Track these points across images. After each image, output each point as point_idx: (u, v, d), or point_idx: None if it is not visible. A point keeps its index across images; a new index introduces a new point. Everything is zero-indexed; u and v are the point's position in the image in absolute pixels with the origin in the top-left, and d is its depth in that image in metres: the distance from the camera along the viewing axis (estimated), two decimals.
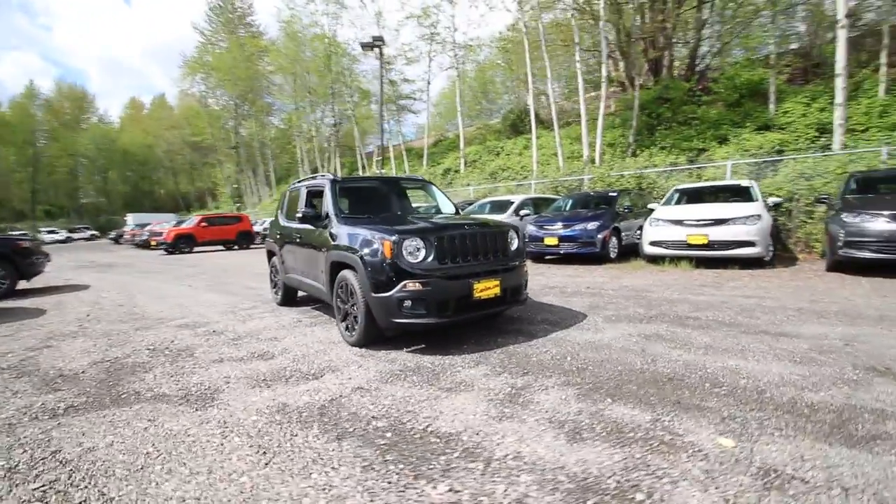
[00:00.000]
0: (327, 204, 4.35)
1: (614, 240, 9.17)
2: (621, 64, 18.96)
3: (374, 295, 3.41)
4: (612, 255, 9.07)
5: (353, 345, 3.74)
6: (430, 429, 2.24)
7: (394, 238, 3.39)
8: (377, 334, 3.63)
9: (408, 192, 5.42)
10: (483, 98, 46.11)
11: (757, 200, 7.96)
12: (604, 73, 15.67)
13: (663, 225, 7.93)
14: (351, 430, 2.26)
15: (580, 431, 2.15)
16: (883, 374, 2.71)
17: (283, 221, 5.63)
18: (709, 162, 13.93)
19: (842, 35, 11.76)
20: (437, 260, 3.46)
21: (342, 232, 3.96)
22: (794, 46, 17.24)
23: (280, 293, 5.71)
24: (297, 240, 4.91)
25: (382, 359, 3.39)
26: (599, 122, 15.88)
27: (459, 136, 24.04)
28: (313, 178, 5.20)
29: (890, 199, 6.21)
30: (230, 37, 41.80)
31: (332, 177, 4.65)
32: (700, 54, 20.69)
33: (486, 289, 3.57)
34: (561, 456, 1.94)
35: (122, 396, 2.85)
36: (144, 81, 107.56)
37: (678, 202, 9.06)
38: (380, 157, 23.86)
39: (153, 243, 18.92)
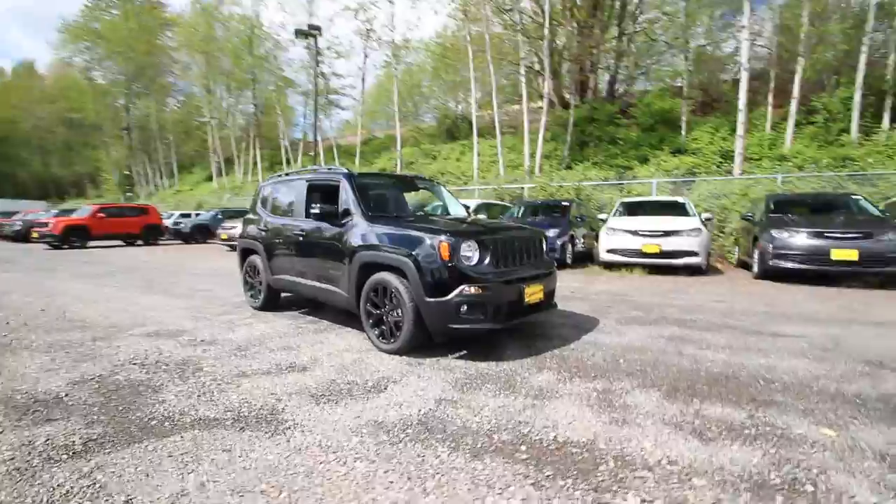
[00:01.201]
0: (348, 201, 4.00)
1: (570, 246, 9.72)
2: (549, 82, 20.10)
3: (428, 299, 3.20)
4: (569, 261, 9.59)
5: (391, 352, 3.47)
6: (559, 439, 2.15)
7: (452, 240, 3.23)
8: (423, 341, 3.41)
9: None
10: (409, 100, 46.20)
11: (693, 215, 8.99)
12: (546, 89, 16.57)
13: (619, 234, 8.60)
14: (480, 446, 2.09)
15: (701, 432, 2.23)
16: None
17: (268, 217, 5.06)
18: (634, 179, 15.41)
19: (744, 76, 13.76)
20: (493, 264, 3.37)
21: (373, 231, 3.67)
22: (696, 82, 19.75)
23: (262, 296, 5.11)
24: (298, 238, 4.44)
25: (436, 367, 3.20)
26: (540, 135, 16.74)
27: (396, 137, 23.71)
28: (313, 171, 4.75)
29: (808, 219, 7.41)
30: (124, 4, 36.69)
31: (346, 171, 4.29)
32: (619, 80, 22.89)
33: (534, 293, 3.56)
34: (710, 457, 1.99)
35: (151, 424, 2.33)
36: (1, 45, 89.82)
37: (623, 214, 9.89)
38: (312, 153, 22.61)
39: (35, 235, 15.80)
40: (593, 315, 4.85)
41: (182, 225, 19.03)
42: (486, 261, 3.34)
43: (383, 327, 3.55)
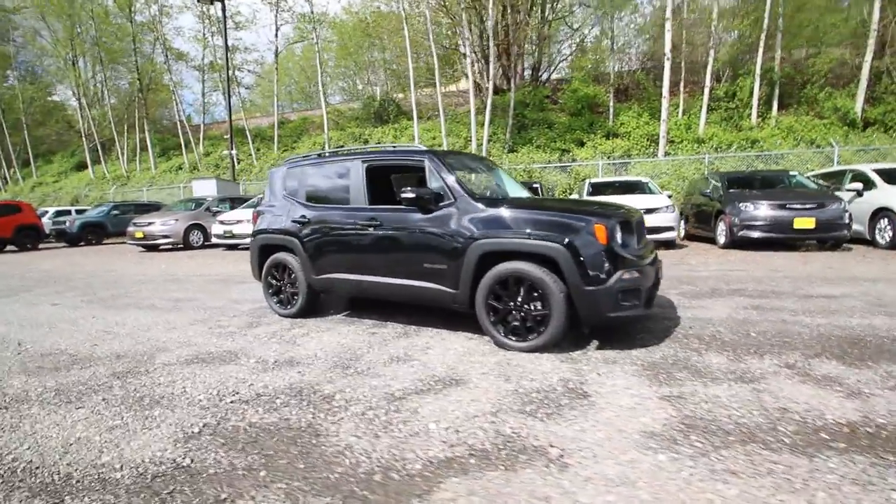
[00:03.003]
0: (444, 183, 3.45)
1: None
2: (493, 67, 20.19)
3: (587, 288, 2.89)
4: None
5: (528, 350, 3.09)
6: (802, 417, 2.05)
7: (609, 222, 2.95)
8: (565, 334, 3.09)
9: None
10: (316, 80, 43.27)
11: (660, 194, 9.67)
12: (491, 72, 16.53)
13: None
14: (781, 441, 1.89)
15: None
16: None
17: (303, 208, 4.24)
18: (576, 161, 16.21)
19: (667, 66, 15.09)
20: (635, 246, 3.16)
21: (496, 216, 3.22)
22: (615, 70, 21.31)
23: (299, 301, 4.28)
24: (366, 230, 3.76)
25: (582, 360, 2.92)
26: (486, 118, 16.73)
27: (323, 119, 22.02)
28: (371, 151, 4.04)
29: (767, 192, 8.35)
30: None
31: (426, 148, 3.70)
32: (542, 67, 23.79)
33: (658, 276, 3.43)
34: None
35: (374, 481, 1.74)
36: None
37: (591, 194, 10.29)
38: (226, 136, 20.01)
39: None
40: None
41: (66, 224, 15.65)
42: (634, 243, 3.13)
43: (515, 324, 3.15)
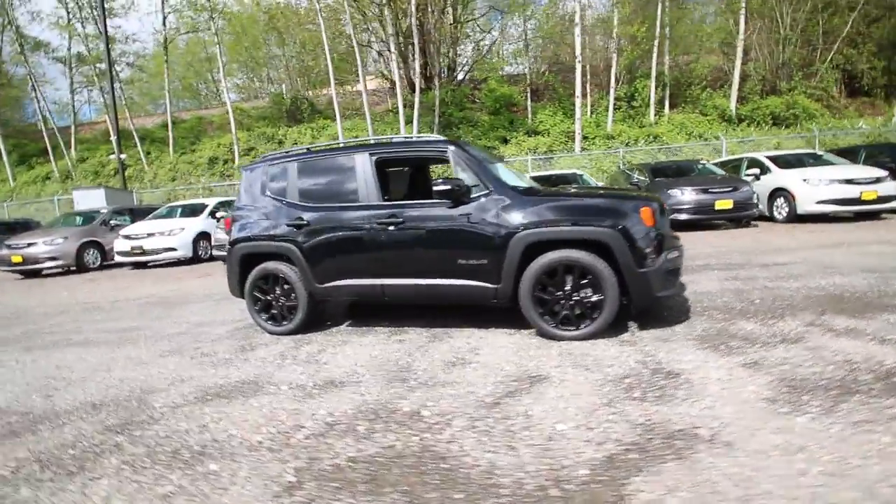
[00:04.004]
0: (480, 172, 3.28)
1: None
2: (419, 64, 20.02)
3: (640, 271, 2.93)
4: None
5: (583, 338, 3.06)
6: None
7: (654, 205, 3.02)
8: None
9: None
10: (201, 78, 39.40)
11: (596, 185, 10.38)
12: (417, 70, 16.37)
13: None
14: (874, 388, 2.08)
15: None
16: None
17: (298, 208, 3.75)
18: (503, 158, 16.75)
19: (578, 68, 16.27)
20: (668, 227, 3.29)
21: (538, 206, 3.14)
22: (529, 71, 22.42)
23: (298, 314, 3.77)
24: (385, 229, 3.41)
25: (638, 342, 2.98)
26: (415, 116, 16.55)
27: (229, 118, 20.02)
28: (379, 143, 3.70)
29: (688, 179, 9.36)
30: None
31: (447, 139, 3.47)
32: (458, 67, 24.21)
33: None
34: None
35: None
36: None
37: None
38: (107, 138, 17.26)
39: None
40: None
41: None
42: (666, 225, 3.25)
43: (565, 313, 3.09)
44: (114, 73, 23.12)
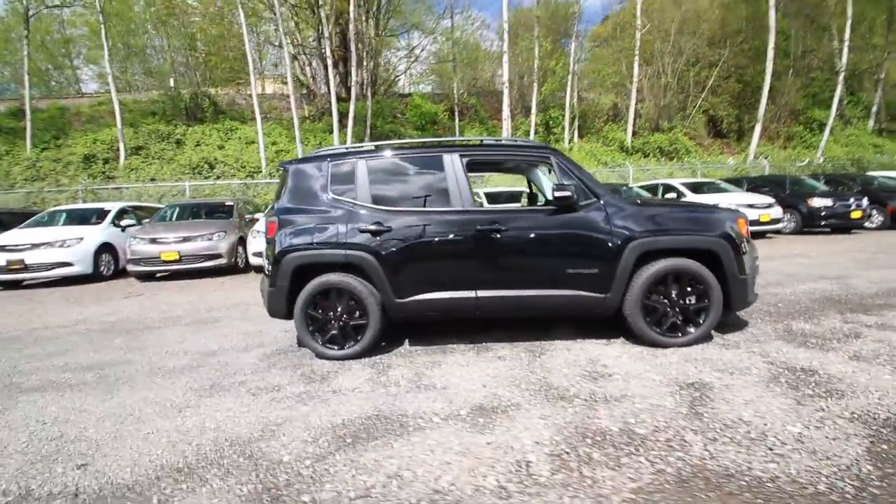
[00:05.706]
0: (585, 180, 3.24)
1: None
2: (355, 73, 19.18)
3: (741, 277, 3.16)
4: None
5: (688, 344, 3.16)
6: None
7: (744, 216, 3.28)
8: None
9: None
10: (55, 62, 33.02)
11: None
12: (353, 78, 15.73)
13: None
14: None
15: None
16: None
17: (375, 215, 3.27)
18: None
19: (506, 91, 17.29)
20: None
21: (647, 214, 3.24)
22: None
23: (367, 335, 3.25)
24: (489, 235, 3.15)
25: (725, 346, 3.21)
26: (350, 125, 15.82)
27: (115, 109, 16.91)
28: (468, 144, 3.41)
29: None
30: None
31: (544, 143, 3.35)
32: (380, 81, 23.92)
33: None
34: None
35: None
36: None
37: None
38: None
39: None
40: None
41: None
42: None
43: (672, 320, 3.17)
44: None
